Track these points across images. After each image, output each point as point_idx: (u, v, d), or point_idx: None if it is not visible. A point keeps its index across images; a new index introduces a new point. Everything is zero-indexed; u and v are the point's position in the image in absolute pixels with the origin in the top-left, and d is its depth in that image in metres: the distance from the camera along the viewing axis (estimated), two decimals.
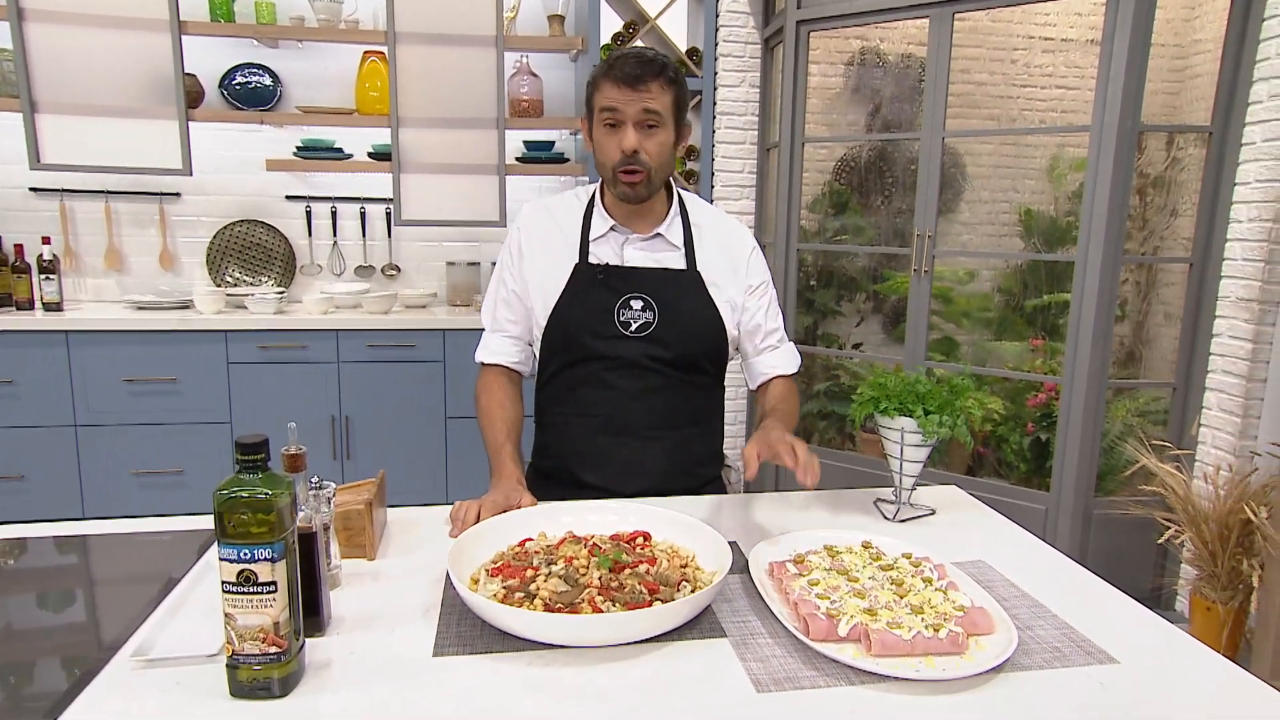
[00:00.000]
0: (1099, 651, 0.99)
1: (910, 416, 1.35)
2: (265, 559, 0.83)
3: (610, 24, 3.53)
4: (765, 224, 3.60)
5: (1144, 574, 2.78)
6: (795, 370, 1.65)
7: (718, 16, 3.47)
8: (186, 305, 3.38)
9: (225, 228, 3.60)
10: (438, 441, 3.38)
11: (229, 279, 3.60)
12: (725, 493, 1.65)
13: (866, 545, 1.21)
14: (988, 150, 3.83)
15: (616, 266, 1.52)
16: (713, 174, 3.58)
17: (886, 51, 3.62)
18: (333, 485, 1.11)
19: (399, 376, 3.34)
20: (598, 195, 1.58)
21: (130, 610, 1.04)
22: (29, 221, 3.45)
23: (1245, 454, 2.45)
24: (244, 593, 0.83)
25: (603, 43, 3.43)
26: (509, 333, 1.61)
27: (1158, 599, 2.80)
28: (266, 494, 0.84)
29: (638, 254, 1.53)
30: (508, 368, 1.62)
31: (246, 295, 3.36)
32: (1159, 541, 2.47)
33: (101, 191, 3.50)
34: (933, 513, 1.44)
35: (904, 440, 1.37)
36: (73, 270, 3.54)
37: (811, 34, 3.18)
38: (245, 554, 0.83)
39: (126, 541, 1.29)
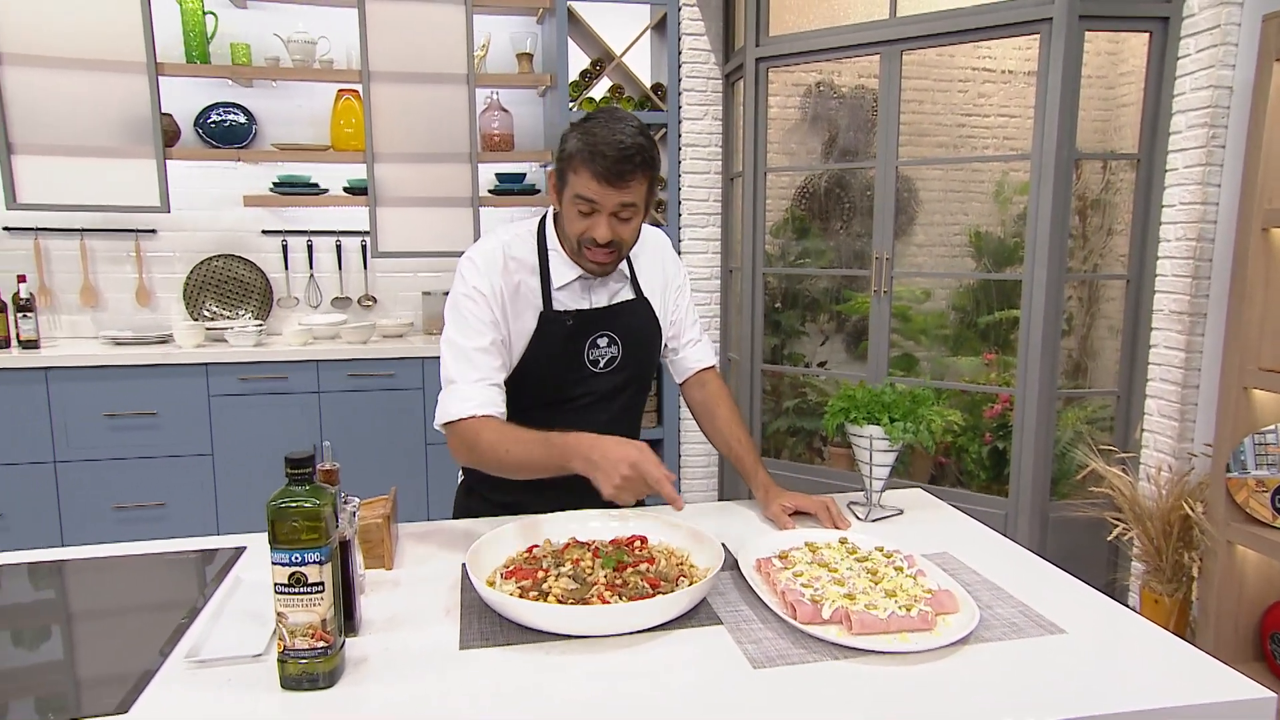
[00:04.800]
0: (1050, 624, 1.12)
1: (877, 424, 1.48)
2: (314, 561, 0.93)
3: (577, 61, 3.68)
4: (731, 250, 3.76)
5: (1098, 570, 2.94)
6: (716, 362, 1.76)
7: (680, 54, 3.64)
8: (165, 340, 3.42)
9: (202, 263, 3.65)
10: (418, 467, 3.45)
11: (206, 313, 3.65)
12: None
13: (843, 541, 1.34)
14: (939, 175, 4.04)
15: (584, 310, 1.54)
16: (679, 203, 3.74)
17: (841, 84, 3.82)
18: (357, 500, 1.20)
19: (379, 405, 3.41)
20: (551, 237, 1.54)
21: (162, 622, 1.12)
22: (4, 261, 3.47)
23: (1184, 455, 2.64)
24: (295, 593, 0.93)
25: (570, 79, 3.58)
26: (493, 380, 1.46)
27: (1111, 593, 2.96)
28: (314, 503, 0.93)
29: (602, 294, 1.57)
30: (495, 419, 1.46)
31: (226, 329, 3.41)
32: (1109, 539, 2.64)
33: (77, 230, 3.53)
34: (900, 512, 1.58)
35: (872, 446, 1.50)
36: (48, 308, 3.56)
37: (770, 70, 3.35)
38: (296, 558, 0.92)
39: (131, 564, 1.37)
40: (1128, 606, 2.79)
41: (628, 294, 1.61)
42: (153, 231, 3.61)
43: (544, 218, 1.58)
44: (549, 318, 1.51)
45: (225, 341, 3.40)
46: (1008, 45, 3.68)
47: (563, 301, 1.53)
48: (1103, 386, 3.20)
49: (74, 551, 1.39)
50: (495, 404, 1.44)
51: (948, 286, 3.83)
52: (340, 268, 3.82)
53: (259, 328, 3.44)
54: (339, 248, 3.79)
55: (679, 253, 3.74)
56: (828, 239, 3.87)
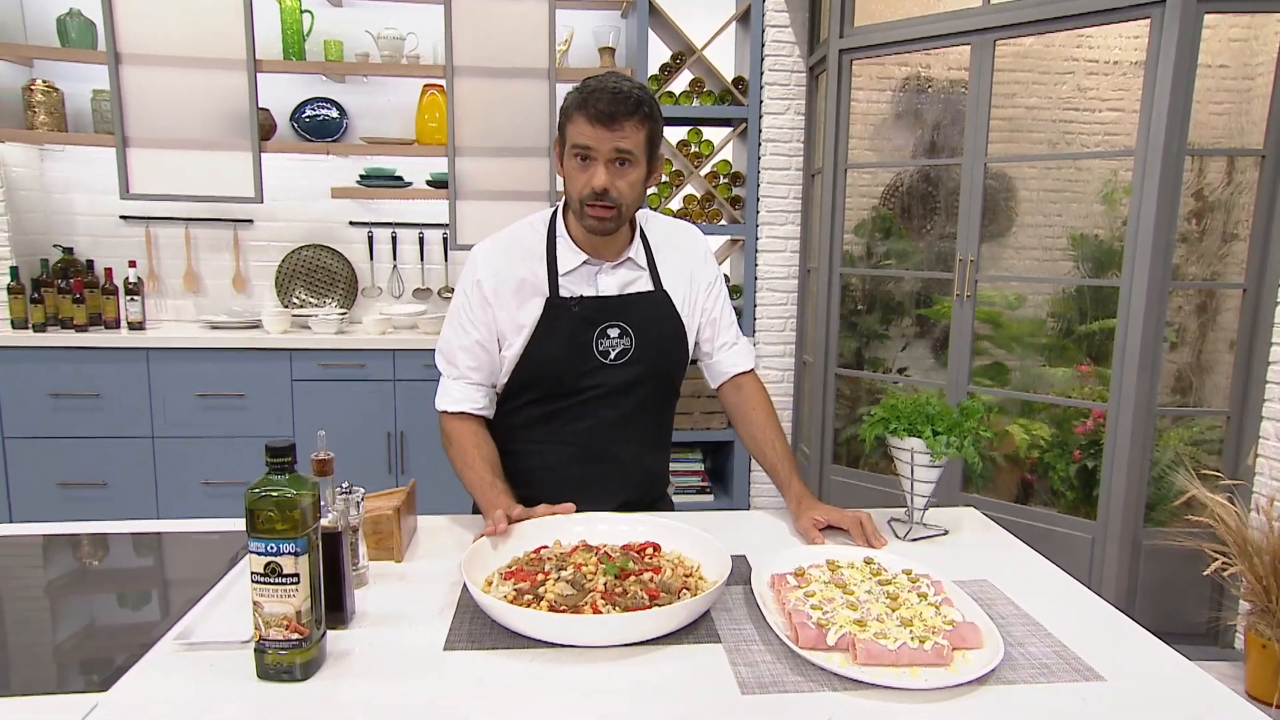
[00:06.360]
0: (1087, 669, 1.01)
1: (919, 437, 1.37)
2: (289, 552, 0.92)
3: (659, 55, 3.64)
4: (810, 249, 3.63)
5: (1198, 607, 2.69)
6: (754, 366, 1.68)
7: (763, 46, 3.54)
8: (256, 325, 3.58)
9: (293, 252, 3.80)
10: None
11: (295, 300, 3.80)
12: (673, 506, 1.71)
13: (869, 561, 1.24)
14: (1040, 174, 3.78)
15: (592, 297, 1.51)
16: (758, 200, 3.64)
17: (934, 77, 3.64)
18: (361, 490, 1.20)
19: None
20: (560, 225, 1.54)
21: (184, 598, 1.15)
22: (118, 247, 3.71)
23: None
24: (270, 583, 0.92)
25: (650, 73, 3.54)
26: (471, 379, 1.56)
27: (1215, 635, 2.71)
28: (291, 493, 0.93)
29: (611, 282, 1.53)
30: (472, 414, 1.56)
31: (310, 316, 3.54)
32: (1205, 574, 2.40)
33: (182, 219, 3.74)
34: (945, 533, 1.46)
35: (914, 460, 1.40)
36: (155, 292, 3.79)
37: (854, 62, 3.22)
38: (271, 547, 0.92)
39: (183, 539, 1.41)
40: (1234, 650, 2.54)
41: (645, 285, 1.56)
42: (250, 221, 3.79)
43: (557, 208, 1.57)
44: (554, 303, 1.50)
45: (309, 328, 3.53)
46: (1120, 35, 3.41)
47: (569, 288, 1.51)
48: (1213, 405, 2.93)
49: (128, 525, 1.45)
50: (471, 400, 1.56)
51: (1045, 293, 3.58)
52: (422, 259, 3.91)
53: (341, 315, 3.55)
54: (421, 240, 3.88)
55: (756, 250, 3.67)
56: (916, 240, 3.68)
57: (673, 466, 3.79)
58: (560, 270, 1.51)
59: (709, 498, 3.75)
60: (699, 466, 3.78)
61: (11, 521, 3.26)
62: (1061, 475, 2.90)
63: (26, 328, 3.36)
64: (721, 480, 3.87)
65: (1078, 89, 3.33)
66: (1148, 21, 2.51)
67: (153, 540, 1.43)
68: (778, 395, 3.82)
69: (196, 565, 1.32)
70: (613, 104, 1.36)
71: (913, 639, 1.00)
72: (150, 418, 3.35)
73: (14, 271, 3.38)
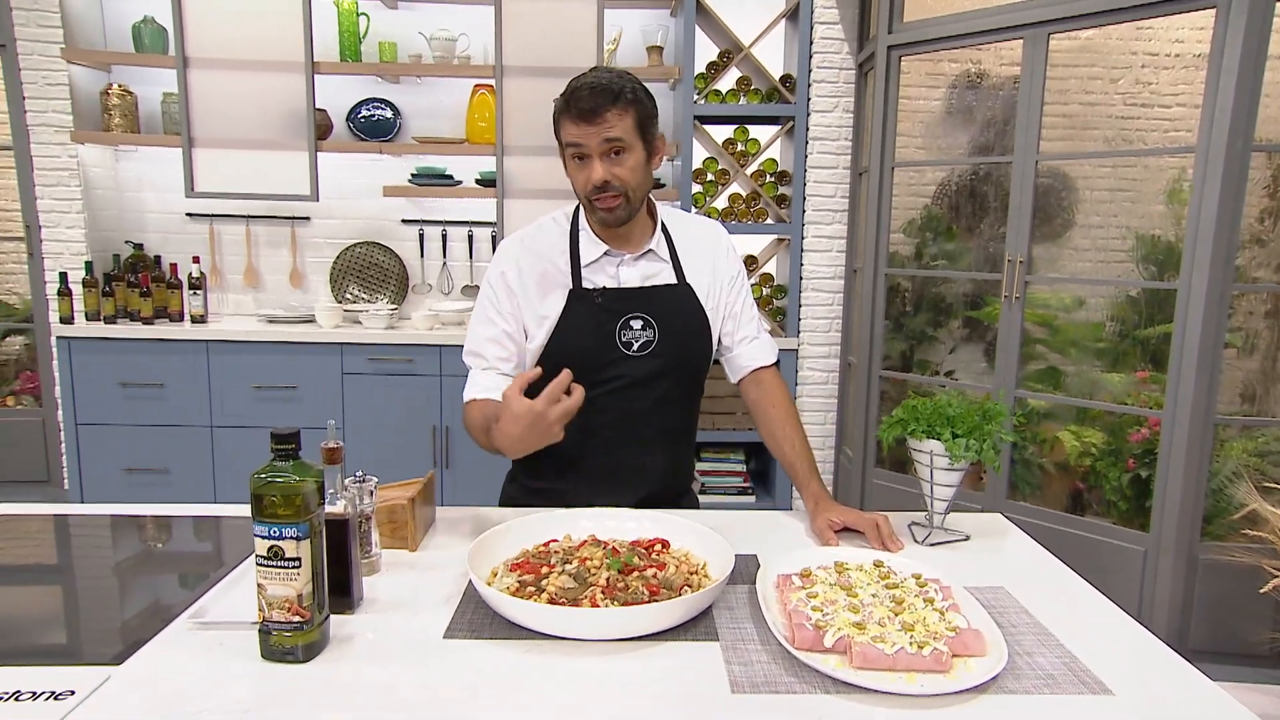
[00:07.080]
0: (1095, 682, 0.97)
1: (938, 439, 1.34)
2: (291, 536, 0.95)
3: (707, 53, 3.63)
4: (856, 248, 3.58)
5: (1258, 627, 2.56)
6: (775, 360, 1.66)
7: (812, 44, 3.50)
8: (310, 320, 3.69)
9: (347, 249, 3.91)
10: None
11: (349, 296, 3.90)
12: (698, 503, 1.70)
13: (878, 564, 1.22)
14: (1102, 173, 3.65)
15: (614, 288, 1.54)
16: (804, 198, 3.60)
17: (987, 72, 3.54)
18: (374, 480, 1.23)
19: None
20: (583, 219, 1.57)
21: (213, 580, 1.20)
22: (183, 243, 3.87)
23: None
24: (273, 566, 0.96)
25: (698, 71, 3.53)
26: (500, 370, 1.56)
27: (1277, 656, 2.58)
28: (295, 479, 0.96)
29: (632, 273, 1.56)
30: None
31: (362, 311, 3.64)
32: (1261, 591, 2.28)
33: (243, 216, 3.88)
34: (967, 538, 1.43)
35: (933, 463, 1.37)
36: (217, 286, 3.94)
37: (903, 58, 3.16)
38: (274, 531, 0.95)
39: (229, 524, 1.47)
40: None
41: (668, 278, 1.58)
42: (306, 219, 3.91)
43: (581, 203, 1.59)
44: (577, 294, 1.53)
45: (360, 323, 3.63)
46: (1191, 27, 3.26)
47: (591, 279, 1.54)
48: None
49: (168, 509, 1.52)
50: (499, 389, 1.49)
51: (1104, 296, 3.46)
52: (471, 257, 3.97)
53: (392, 311, 3.64)
54: (470, 238, 3.95)
55: (801, 250, 3.63)
56: (969, 240, 3.59)
57: (714, 467, 3.83)
58: (582, 261, 1.54)
59: (751, 499, 3.72)
60: (741, 467, 3.76)
61: (83, 502, 3.43)
62: (1114, 484, 2.79)
63: (99, 319, 3.52)
64: (765, 482, 3.84)
65: (1138, 83, 3.20)
66: (1213, 11, 2.40)
67: (198, 523, 1.49)
68: (821, 397, 3.77)
69: (230, 548, 1.38)
70: (592, 98, 1.39)
71: (912, 644, 0.98)
72: (209, 408, 3.48)
73: (89, 266, 3.55)
